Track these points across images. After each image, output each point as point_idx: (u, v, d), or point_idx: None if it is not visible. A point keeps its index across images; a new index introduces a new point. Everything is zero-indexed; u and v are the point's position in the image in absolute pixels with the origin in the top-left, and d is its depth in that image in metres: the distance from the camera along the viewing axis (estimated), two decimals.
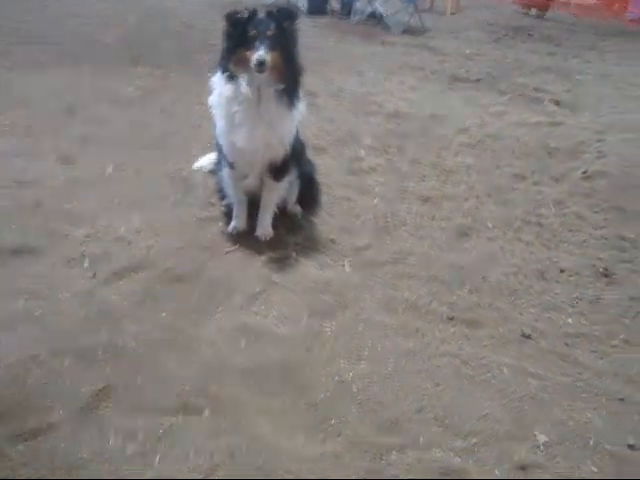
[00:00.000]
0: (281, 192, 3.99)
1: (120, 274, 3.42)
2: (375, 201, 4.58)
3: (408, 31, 12.27)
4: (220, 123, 3.70)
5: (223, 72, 3.58)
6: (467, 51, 10.87)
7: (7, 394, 2.52)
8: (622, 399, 2.86)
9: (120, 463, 2.29)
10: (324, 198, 4.45)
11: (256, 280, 3.48)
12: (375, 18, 13.06)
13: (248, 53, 3.43)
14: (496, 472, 2.41)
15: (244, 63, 3.47)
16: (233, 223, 3.98)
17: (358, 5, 13.39)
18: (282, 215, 4.14)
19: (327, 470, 2.34)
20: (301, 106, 3.72)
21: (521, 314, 3.44)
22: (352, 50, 10.07)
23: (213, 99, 3.73)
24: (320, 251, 3.85)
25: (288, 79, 3.56)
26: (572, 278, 3.86)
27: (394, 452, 2.45)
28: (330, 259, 3.78)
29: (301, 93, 3.70)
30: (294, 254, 3.77)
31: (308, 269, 3.65)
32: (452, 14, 15.39)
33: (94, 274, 3.38)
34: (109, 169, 4.67)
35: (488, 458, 2.47)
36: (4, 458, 2.25)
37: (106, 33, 8.89)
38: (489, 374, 2.95)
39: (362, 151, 5.55)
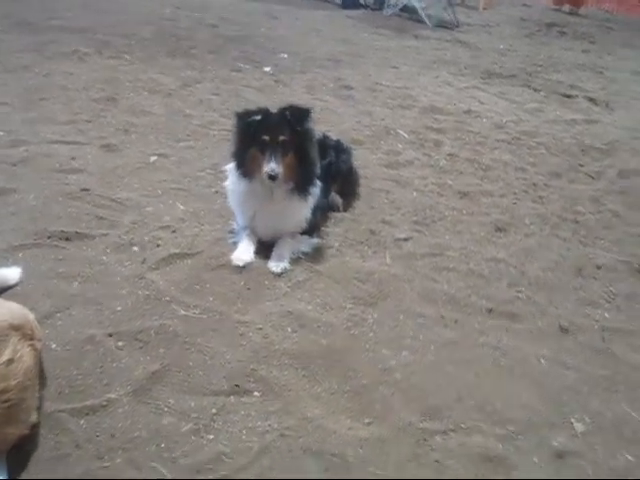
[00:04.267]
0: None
1: (168, 260, 3.52)
2: (414, 194, 4.67)
3: (441, 25, 12.32)
4: (234, 205, 3.82)
5: (237, 168, 3.64)
6: (500, 46, 10.92)
7: (66, 373, 2.63)
8: None
9: (175, 441, 2.39)
10: (363, 190, 4.54)
11: (300, 269, 3.57)
12: (408, 11, 13.10)
13: (261, 158, 3.49)
14: (534, 459, 2.49)
15: (257, 166, 3.53)
16: (238, 253, 3.63)
17: None
18: None
19: (373, 453, 2.43)
20: (315, 190, 3.75)
21: (558, 308, 3.51)
22: (386, 44, 10.15)
23: (229, 185, 3.81)
24: (361, 242, 3.94)
25: (301, 177, 3.62)
26: (608, 274, 3.92)
27: (437, 437, 2.53)
28: (371, 250, 3.86)
29: (315, 181, 3.73)
30: (336, 244, 3.86)
31: (350, 259, 3.74)
32: (484, 9, 15.38)
33: (143, 260, 3.49)
34: (152, 158, 4.78)
35: (527, 445, 2.55)
36: (68, 432, 2.36)
37: (143, 26, 9.04)
38: (527, 366, 3.02)
39: (399, 145, 5.63)
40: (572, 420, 2.72)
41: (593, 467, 2.49)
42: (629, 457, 2.56)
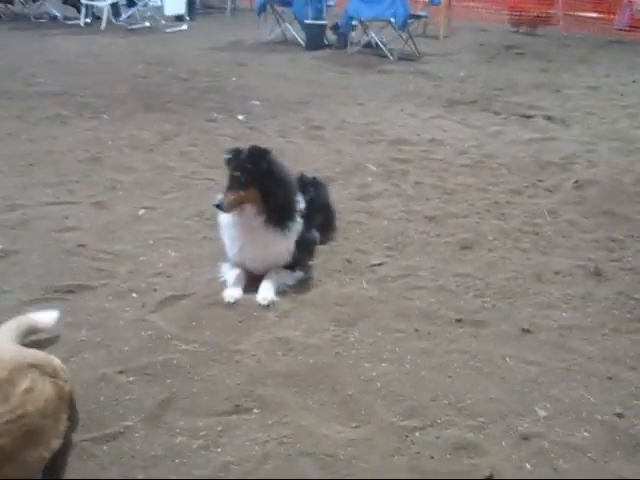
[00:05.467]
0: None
1: (165, 303, 3.87)
2: (385, 223, 5.07)
3: (403, 58, 12.81)
4: (223, 237, 4.19)
5: None
6: (461, 74, 11.42)
7: (85, 407, 2.96)
8: (610, 377, 3.30)
9: (188, 456, 2.73)
10: (338, 223, 4.92)
11: (285, 300, 3.94)
12: (371, 47, 13.61)
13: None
14: (503, 443, 2.84)
15: None
16: (229, 291, 3.99)
17: (354, 36, 13.96)
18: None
19: (361, 450, 2.78)
20: (296, 225, 4.10)
21: (520, 313, 3.88)
22: (351, 81, 10.64)
23: (220, 219, 4.16)
24: (339, 270, 4.32)
25: (273, 211, 3.93)
26: (565, 279, 4.30)
27: (416, 433, 2.88)
28: (348, 277, 4.24)
29: (295, 215, 4.08)
30: (316, 274, 4.24)
31: (329, 287, 4.11)
32: (445, 37, 15.93)
33: (143, 304, 3.84)
34: (140, 211, 5.15)
35: (496, 432, 2.90)
36: (93, 457, 2.70)
37: (119, 84, 9.47)
38: (494, 365, 3.38)
39: (369, 178, 6.04)
40: (535, 408, 3.07)
41: (554, 445, 2.84)
42: (585, 434, 2.92)
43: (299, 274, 4.18)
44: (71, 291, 3.98)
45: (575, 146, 7.23)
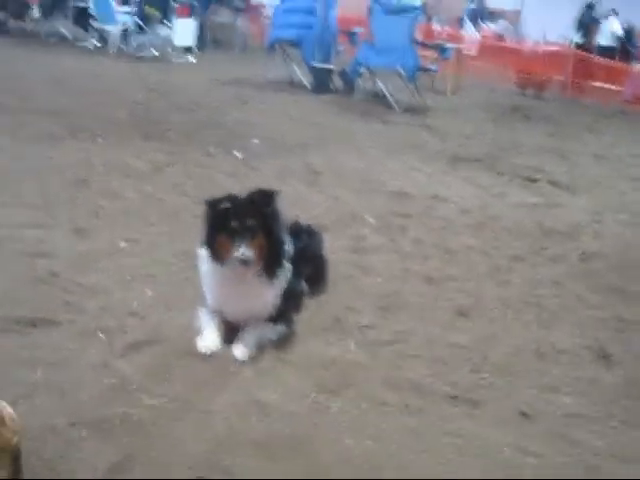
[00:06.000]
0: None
1: (134, 347, 3.55)
2: (379, 280, 4.76)
3: (409, 110, 12.62)
4: (207, 288, 3.82)
5: (209, 253, 3.66)
6: (466, 131, 11.22)
7: (26, 461, 2.61)
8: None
9: None
10: (328, 276, 4.58)
11: (265, 356, 3.62)
12: (377, 96, 13.45)
13: (230, 244, 3.51)
14: None
15: (226, 252, 3.54)
16: (204, 341, 3.68)
17: (361, 83, 13.81)
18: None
19: None
20: (285, 273, 3.79)
21: (520, 394, 3.55)
22: (355, 128, 10.43)
23: (202, 269, 3.80)
24: (325, 329, 4.00)
25: (269, 257, 3.64)
26: (570, 358, 3.98)
27: None
28: (335, 337, 3.91)
29: (284, 262, 3.77)
30: (301, 331, 3.90)
31: (314, 346, 3.79)
32: (452, 94, 15.80)
33: (109, 347, 3.52)
34: (122, 243, 4.85)
35: None
36: None
37: (118, 109, 9.25)
38: (489, 453, 3.05)
39: (365, 230, 5.75)
40: None
41: None
42: None
43: (281, 328, 3.83)
44: (33, 324, 3.66)
45: (581, 215, 6.97)
